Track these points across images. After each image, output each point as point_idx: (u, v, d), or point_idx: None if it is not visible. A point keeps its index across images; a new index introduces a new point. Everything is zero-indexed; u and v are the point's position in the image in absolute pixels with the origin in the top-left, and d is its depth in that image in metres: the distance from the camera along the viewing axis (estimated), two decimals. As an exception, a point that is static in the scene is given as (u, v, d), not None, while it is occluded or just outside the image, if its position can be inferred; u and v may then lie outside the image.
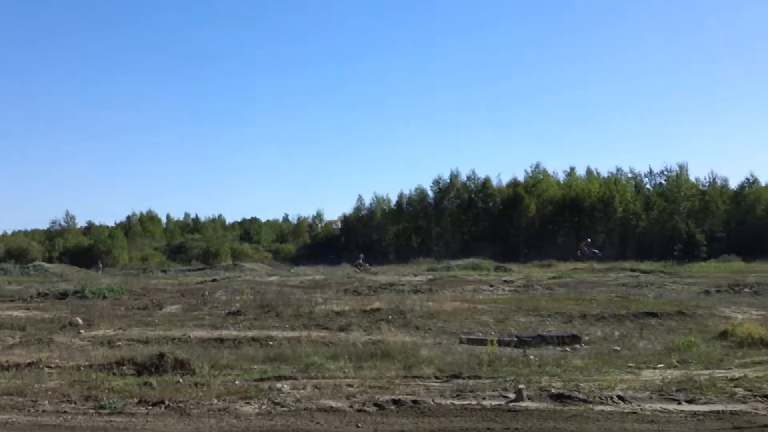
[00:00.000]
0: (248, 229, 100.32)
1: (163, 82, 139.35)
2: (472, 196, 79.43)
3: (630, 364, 12.19)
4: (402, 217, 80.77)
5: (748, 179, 75.64)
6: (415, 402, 8.51)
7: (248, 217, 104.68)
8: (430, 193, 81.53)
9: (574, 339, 15.70)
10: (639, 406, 8.42)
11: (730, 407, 8.30)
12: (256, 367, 12.09)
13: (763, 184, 75.90)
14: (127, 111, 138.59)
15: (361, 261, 57.22)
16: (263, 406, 8.49)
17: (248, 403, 8.67)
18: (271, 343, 15.12)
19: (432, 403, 8.52)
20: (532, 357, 13.03)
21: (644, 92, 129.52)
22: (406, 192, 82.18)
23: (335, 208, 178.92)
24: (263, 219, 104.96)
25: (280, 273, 47.74)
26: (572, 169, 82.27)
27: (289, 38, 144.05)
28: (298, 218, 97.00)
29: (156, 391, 9.45)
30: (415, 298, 22.99)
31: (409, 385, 9.78)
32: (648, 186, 78.93)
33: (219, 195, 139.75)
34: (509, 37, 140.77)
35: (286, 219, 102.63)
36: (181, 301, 24.71)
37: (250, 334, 16.39)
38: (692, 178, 76.45)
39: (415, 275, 39.62)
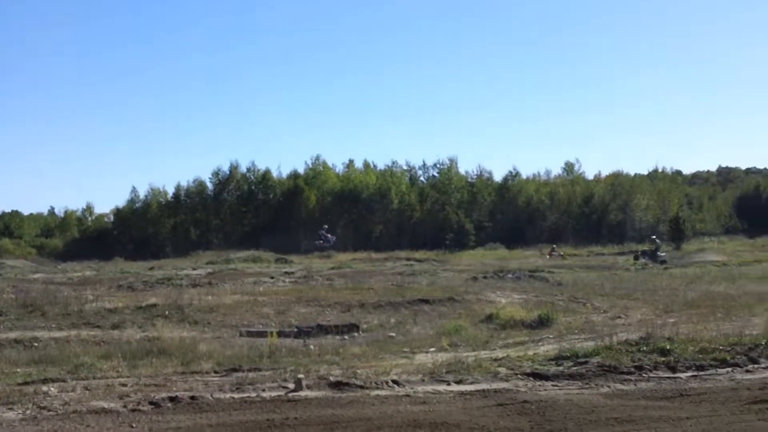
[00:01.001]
0: (8, 223, 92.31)
1: None
2: (253, 188, 78.75)
3: (405, 350, 12.77)
4: (180, 210, 78.16)
5: (511, 173, 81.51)
6: (192, 398, 8.34)
7: (8, 210, 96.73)
8: (210, 185, 79.73)
9: (353, 327, 16.19)
10: (412, 388, 8.83)
11: (494, 386, 8.94)
12: (19, 370, 11.31)
13: (524, 177, 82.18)
14: None
15: (323, 233, 52.37)
16: (28, 411, 7.95)
17: (11, 408, 8.07)
18: (36, 344, 14.31)
19: (210, 398, 8.40)
20: (312, 347, 13.27)
21: (417, 87, 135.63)
22: (184, 184, 79.80)
23: (107, 201, 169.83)
24: (25, 212, 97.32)
25: (46, 269, 44.69)
26: (351, 161, 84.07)
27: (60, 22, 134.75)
28: (65, 211, 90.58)
29: None
30: (194, 293, 22.54)
31: (187, 381, 9.58)
32: (422, 178, 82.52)
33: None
34: (293, 27, 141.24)
35: (51, 212, 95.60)
36: (-71, 303, 22.46)
37: (12, 335, 15.42)
38: (462, 171, 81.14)
39: (194, 269, 38.73)
